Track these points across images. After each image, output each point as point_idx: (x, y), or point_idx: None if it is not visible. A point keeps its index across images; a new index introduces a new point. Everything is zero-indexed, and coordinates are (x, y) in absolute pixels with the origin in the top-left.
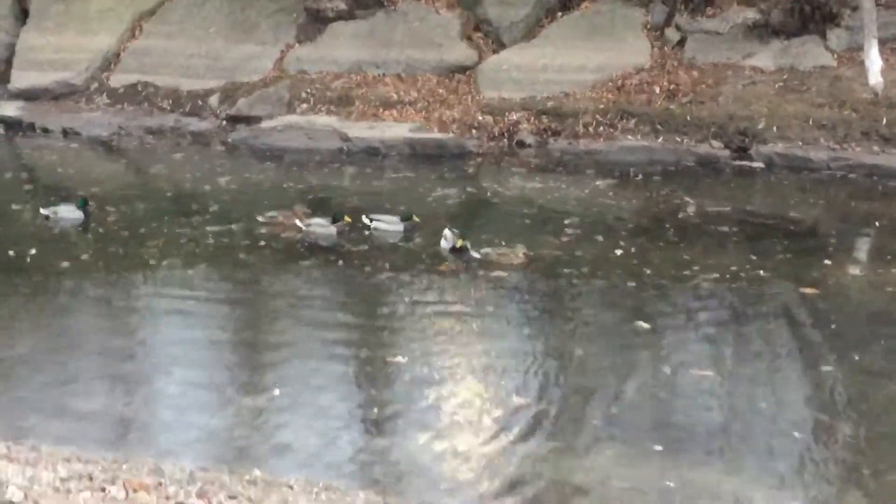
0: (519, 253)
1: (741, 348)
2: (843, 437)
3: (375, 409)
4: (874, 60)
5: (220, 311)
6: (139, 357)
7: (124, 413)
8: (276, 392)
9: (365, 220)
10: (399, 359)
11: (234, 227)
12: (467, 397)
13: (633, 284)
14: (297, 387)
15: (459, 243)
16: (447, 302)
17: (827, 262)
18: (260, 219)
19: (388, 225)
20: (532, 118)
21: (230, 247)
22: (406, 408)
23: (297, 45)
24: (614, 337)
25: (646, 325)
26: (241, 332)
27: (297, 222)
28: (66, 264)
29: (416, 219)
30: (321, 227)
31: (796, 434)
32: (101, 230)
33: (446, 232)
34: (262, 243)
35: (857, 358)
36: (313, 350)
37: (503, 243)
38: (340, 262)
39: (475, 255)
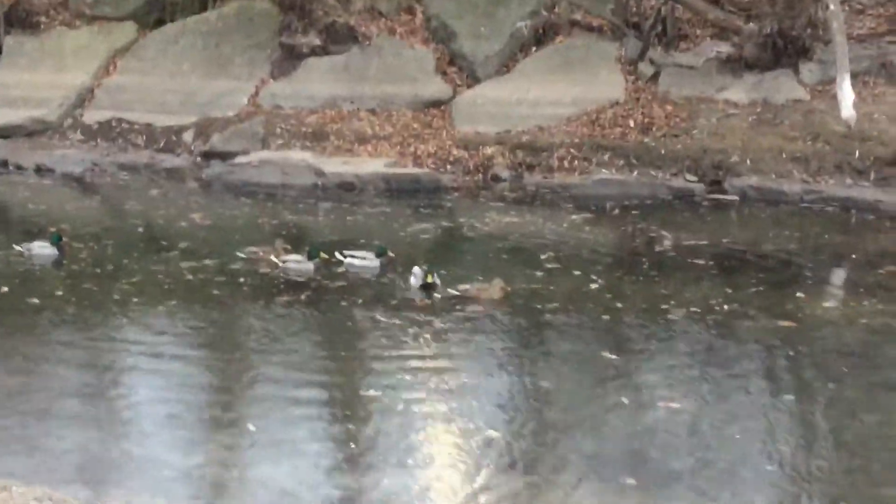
0: (497, 287)
1: (716, 382)
2: (819, 471)
3: (351, 445)
4: (846, 94)
5: (194, 349)
6: (112, 395)
7: (97, 451)
8: (251, 428)
9: (339, 255)
10: (373, 394)
11: (208, 262)
12: (442, 433)
13: (607, 318)
14: (272, 423)
15: (429, 279)
16: (422, 338)
17: (801, 294)
18: (240, 254)
19: (362, 261)
20: (507, 152)
21: (204, 283)
22: (381, 444)
23: (271, 80)
24: (588, 371)
25: (619, 359)
26: (216, 370)
27: (273, 258)
28: (38, 301)
29: (390, 254)
30: (297, 262)
31: (769, 468)
32: (74, 267)
33: (415, 269)
34: (237, 279)
35: (832, 389)
36: (288, 387)
37: (480, 278)
38: (316, 299)
39: (454, 291)
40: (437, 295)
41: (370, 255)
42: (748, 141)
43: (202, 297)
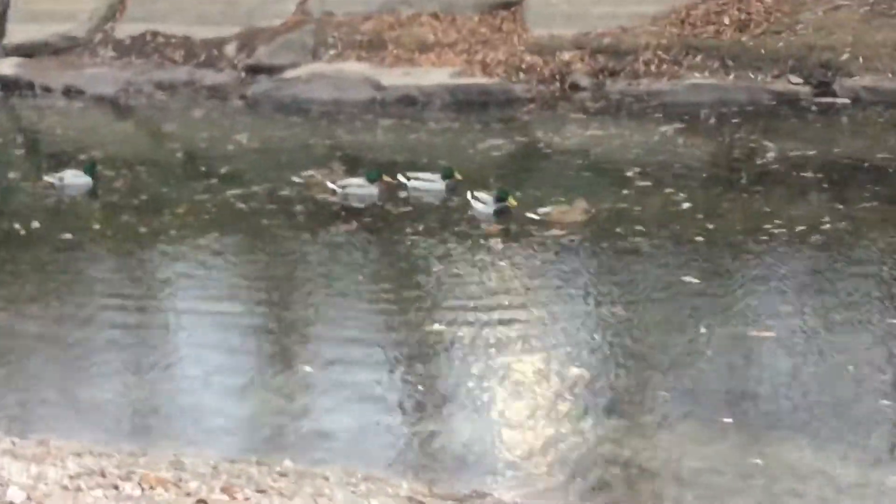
0: (579, 209)
1: (826, 309)
2: None
3: (420, 388)
4: None
5: (244, 286)
6: (156, 339)
7: (141, 401)
8: (308, 370)
9: (402, 178)
10: (443, 330)
11: (257, 189)
12: (521, 371)
13: (701, 240)
14: (332, 366)
15: (512, 201)
16: (495, 268)
17: None
18: (294, 179)
19: (427, 183)
20: (586, 57)
21: (253, 212)
22: (454, 385)
23: None
24: (679, 300)
25: (713, 286)
26: (269, 308)
27: (329, 183)
28: (73, 236)
29: (458, 176)
30: (358, 187)
31: (886, 403)
32: (110, 198)
33: (480, 194)
34: (290, 207)
35: None
36: (349, 325)
37: (560, 199)
38: (378, 227)
39: (533, 215)
40: (511, 220)
41: (435, 176)
42: (860, 35)
43: (251, 227)
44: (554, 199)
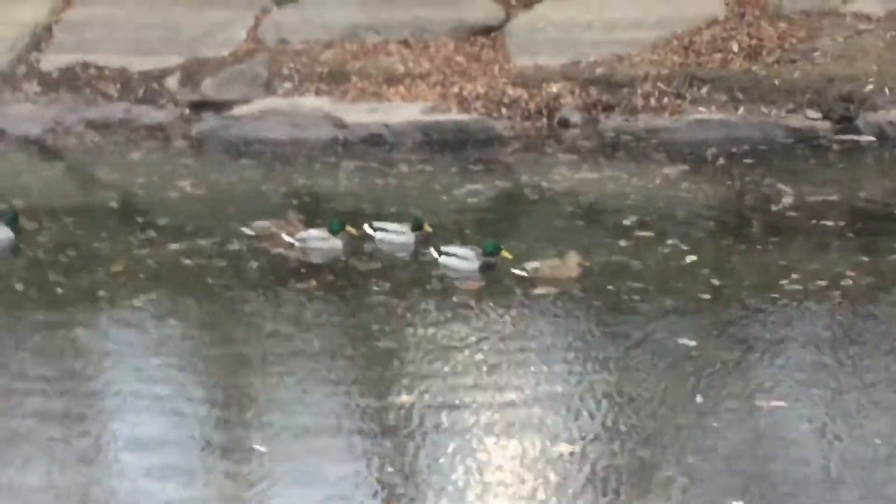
0: (572, 263)
1: (846, 375)
2: None
3: (388, 470)
4: None
5: (189, 355)
6: (90, 415)
7: (73, 487)
8: (262, 450)
9: (368, 229)
10: (414, 403)
11: (203, 242)
12: (502, 449)
13: (707, 299)
14: (288, 445)
15: (505, 254)
16: (476, 331)
17: None
18: (245, 231)
19: (395, 235)
20: (577, 90)
21: (200, 270)
22: (425, 466)
23: (275, 7)
24: (683, 368)
25: (721, 352)
26: (217, 380)
27: (285, 236)
28: None
29: (427, 227)
30: (319, 240)
31: None
32: (34, 254)
33: (459, 249)
34: (241, 263)
35: None
36: (308, 400)
37: (550, 252)
38: (342, 285)
39: (519, 271)
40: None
41: (404, 227)
42: (886, 64)
43: (196, 287)
44: (542, 252)
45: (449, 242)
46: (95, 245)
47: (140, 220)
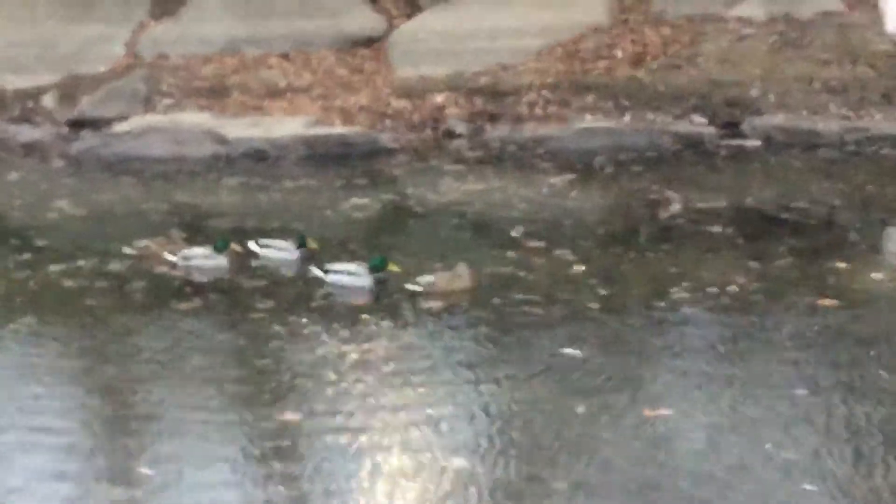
0: (465, 276)
1: (736, 381)
2: (867, 493)
3: (280, 489)
4: (892, 1)
5: (71, 379)
6: None
7: None
8: (148, 473)
9: (253, 246)
10: (302, 421)
11: (83, 263)
12: (392, 466)
13: (596, 307)
14: (177, 467)
15: (394, 267)
16: (364, 347)
17: (842, 265)
18: (128, 250)
19: (280, 253)
20: (461, 100)
21: (79, 291)
22: (318, 486)
23: (152, 21)
24: (574, 380)
25: (610, 362)
26: (101, 403)
27: (167, 255)
28: None
29: (312, 244)
30: (204, 258)
31: (809, 486)
32: None
33: (342, 266)
34: (123, 284)
35: (887, 389)
36: (195, 419)
37: (437, 265)
38: (228, 304)
39: (414, 286)
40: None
41: (289, 244)
42: (770, 69)
43: (76, 309)
44: (430, 265)
45: (336, 259)
46: None
47: (17, 241)
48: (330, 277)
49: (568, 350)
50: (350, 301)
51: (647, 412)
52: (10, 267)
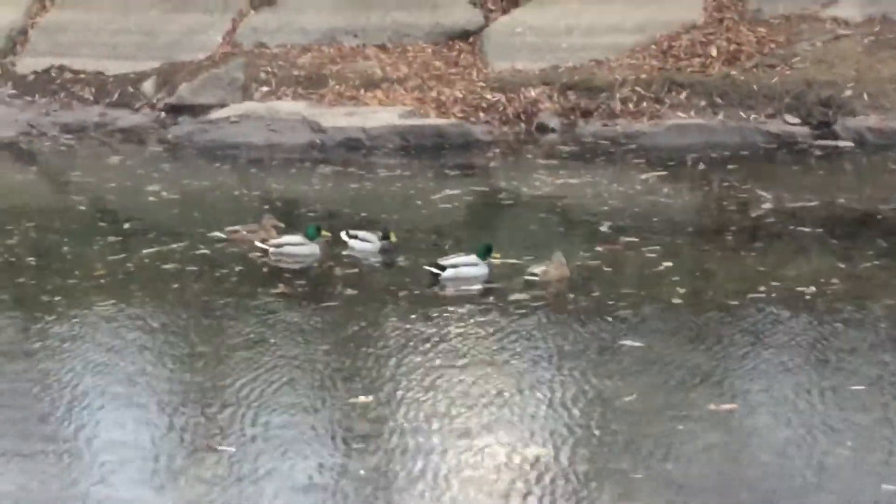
0: (564, 265)
1: (827, 384)
2: None
3: (361, 472)
4: None
5: (161, 360)
6: (61, 422)
7: (48, 494)
8: (233, 452)
9: (344, 237)
10: (387, 411)
11: (176, 247)
12: (474, 451)
13: (685, 305)
14: (260, 449)
15: (392, 238)
16: (450, 338)
17: None
18: (219, 234)
19: (365, 244)
20: (555, 94)
21: (173, 274)
22: (400, 471)
23: (251, 11)
24: (660, 374)
25: (696, 358)
26: (189, 385)
27: (258, 243)
28: None
29: (393, 238)
30: (298, 244)
31: (891, 486)
32: (4, 257)
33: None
34: (215, 268)
35: None
36: (280, 404)
37: (529, 257)
38: (318, 291)
39: (532, 277)
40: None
41: (375, 236)
42: (864, 70)
43: (169, 292)
44: (522, 257)
45: (421, 248)
46: (66, 249)
47: (114, 224)
48: (350, 242)
49: (637, 343)
50: (439, 290)
51: (751, 415)
52: (105, 249)
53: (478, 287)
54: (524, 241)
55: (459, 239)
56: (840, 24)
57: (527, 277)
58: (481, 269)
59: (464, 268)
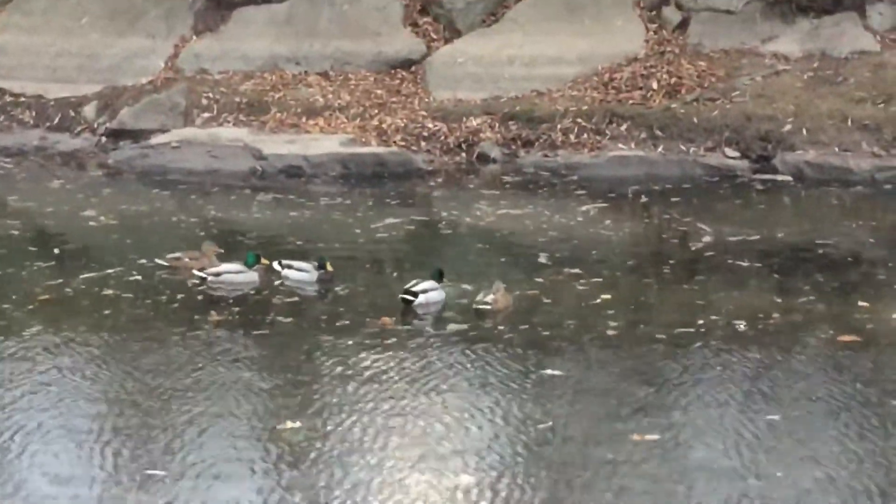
0: (507, 294)
1: (755, 416)
2: None
3: (297, 497)
4: None
5: (97, 387)
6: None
7: None
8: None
9: (276, 266)
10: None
11: (111, 272)
12: (404, 479)
13: (623, 337)
14: (200, 477)
15: (328, 267)
16: (391, 370)
17: (863, 303)
18: (160, 261)
19: (301, 273)
20: (497, 124)
21: (109, 300)
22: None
23: (194, 37)
24: (589, 404)
25: (638, 391)
26: (127, 412)
27: (196, 271)
28: None
29: (329, 267)
30: (235, 272)
31: None
32: None
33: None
34: (149, 295)
35: None
36: (223, 433)
37: (466, 287)
38: (261, 321)
39: (483, 306)
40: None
41: (310, 266)
42: (803, 105)
43: (105, 318)
44: (459, 286)
45: (355, 275)
46: (5, 273)
47: (48, 250)
48: (284, 272)
49: (567, 373)
50: (369, 321)
51: (682, 448)
52: (39, 274)
53: (434, 312)
54: (465, 271)
55: (399, 266)
56: (780, 59)
57: (478, 306)
58: (441, 294)
59: (431, 293)
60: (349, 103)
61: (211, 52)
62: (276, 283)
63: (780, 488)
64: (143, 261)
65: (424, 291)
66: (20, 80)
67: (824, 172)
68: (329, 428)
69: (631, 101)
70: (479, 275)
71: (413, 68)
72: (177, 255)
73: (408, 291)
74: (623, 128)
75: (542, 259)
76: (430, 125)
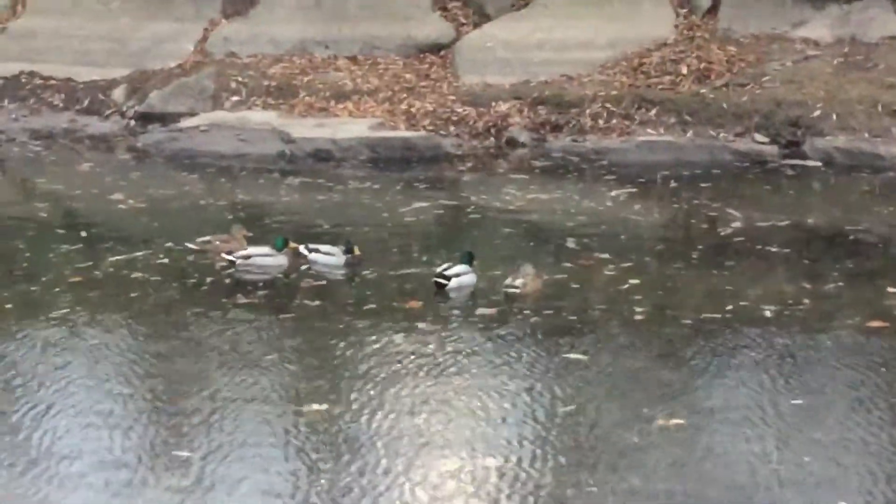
0: (537, 276)
1: (784, 401)
2: None
3: (323, 483)
4: None
5: (124, 369)
6: (23, 429)
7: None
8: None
9: (303, 250)
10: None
11: (139, 255)
12: (433, 462)
13: (651, 322)
14: (227, 459)
15: (356, 251)
16: (416, 353)
17: (893, 289)
18: (190, 245)
19: (327, 258)
20: (526, 109)
21: (137, 283)
22: (367, 485)
23: (223, 20)
24: (622, 391)
25: (662, 374)
26: (153, 394)
27: (224, 255)
28: None
29: (356, 251)
30: (264, 256)
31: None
32: None
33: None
34: (178, 278)
35: None
36: (248, 415)
37: (496, 272)
38: (289, 304)
39: (512, 289)
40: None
41: (337, 250)
42: (833, 90)
43: (135, 303)
44: (490, 271)
45: (383, 259)
46: (26, 256)
47: (77, 232)
48: (311, 256)
49: (625, 360)
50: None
51: (710, 431)
52: (68, 256)
53: (465, 295)
54: (493, 256)
55: (426, 250)
56: (810, 44)
57: (507, 290)
58: (472, 278)
59: (463, 276)
60: (378, 87)
61: (240, 35)
62: (304, 267)
63: (807, 473)
64: (171, 244)
65: (457, 275)
66: (50, 64)
67: (854, 158)
68: (355, 410)
69: (660, 87)
70: (508, 259)
71: (442, 52)
72: (206, 238)
73: (440, 275)
74: (652, 113)
75: (571, 244)
76: (459, 109)
